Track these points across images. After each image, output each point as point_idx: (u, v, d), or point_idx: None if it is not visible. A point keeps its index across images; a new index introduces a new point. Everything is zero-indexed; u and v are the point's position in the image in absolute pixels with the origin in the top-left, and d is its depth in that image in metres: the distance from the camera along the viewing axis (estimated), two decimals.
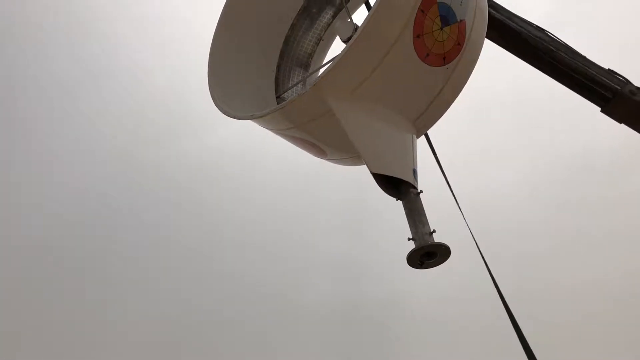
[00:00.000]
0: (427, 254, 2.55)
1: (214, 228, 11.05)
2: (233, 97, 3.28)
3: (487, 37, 3.63)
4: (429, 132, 3.33)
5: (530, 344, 2.80)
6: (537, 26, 3.64)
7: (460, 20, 2.80)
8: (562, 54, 3.56)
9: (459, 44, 2.81)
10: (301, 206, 11.19)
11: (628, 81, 3.58)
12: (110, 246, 10.54)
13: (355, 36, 2.57)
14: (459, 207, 3.06)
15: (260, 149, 10.75)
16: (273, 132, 3.23)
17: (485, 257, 2.96)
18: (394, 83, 2.82)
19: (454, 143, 10.00)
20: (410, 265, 2.59)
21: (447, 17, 2.75)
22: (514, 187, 10.90)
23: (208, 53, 3.50)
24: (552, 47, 3.57)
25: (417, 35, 2.67)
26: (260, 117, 2.93)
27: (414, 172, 2.79)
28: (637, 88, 3.56)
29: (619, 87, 3.52)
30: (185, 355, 9.83)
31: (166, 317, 10.05)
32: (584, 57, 3.60)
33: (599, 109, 3.64)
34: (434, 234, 2.57)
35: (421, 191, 2.73)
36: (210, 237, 10.96)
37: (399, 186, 2.73)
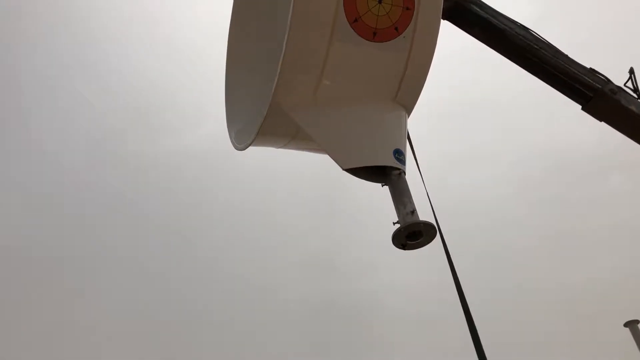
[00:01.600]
0: (414, 233, 2.50)
1: (189, 224, 11.02)
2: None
3: (471, 34, 3.67)
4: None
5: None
6: (521, 24, 3.66)
7: None
8: (545, 52, 3.59)
9: (408, 9, 2.74)
10: (277, 203, 11.17)
11: (609, 80, 3.62)
12: (96, 236, 10.49)
13: (283, 47, 2.52)
14: (429, 199, 3.03)
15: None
16: (287, 149, 3.23)
17: (451, 249, 2.94)
18: (353, 72, 2.78)
19: (438, 143, 10.06)
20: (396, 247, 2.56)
21: None
22: (497, 185, 11.00)
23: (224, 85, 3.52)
24: (535, 46, 3.59)
25: (354, 20, 2.62)
26: (250, 143, 2.93)
27: (398, 152, 2.74)
28: (618, 87, 3.61)
29: (599, 86, 3.57)
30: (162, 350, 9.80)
31: (146, 309, 10.03)
32: (566, 56, 3.64)
33: (580, 107, 3.69)
34: (417, 213, 2.51)
35: (403, 172, 2.68)
36: (185, 234, 10.93)
37: (383, 171, 2.70)
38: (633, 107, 3.54)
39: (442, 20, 3.55)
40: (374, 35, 2.70)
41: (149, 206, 11.03)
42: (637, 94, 3.62)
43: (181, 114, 11.12)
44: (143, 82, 11.26)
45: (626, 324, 5.50)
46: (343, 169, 2.69)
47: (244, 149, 3.06)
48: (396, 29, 2.73)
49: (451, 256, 2.89)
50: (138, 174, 11.11)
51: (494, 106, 10.96)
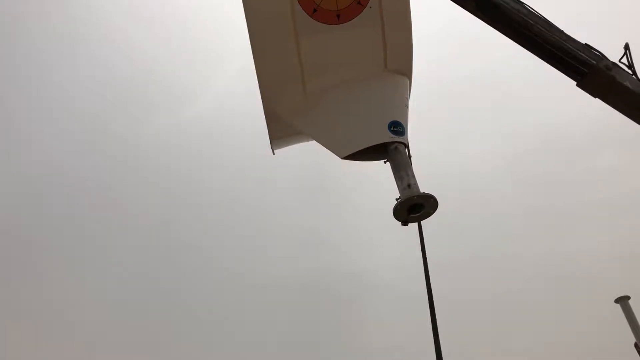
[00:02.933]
0: (415, 206, 2.52)
1: (174, 199, 10.99)
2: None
3: (464, 8, 3.60)
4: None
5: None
6: None
7: None
8: (540, 27, 3.54)
9: None
10: (260, 174, 11.12)
11: (604, 56, 3.58)
12: (77, 220, 10.44)
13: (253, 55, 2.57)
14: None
15: (227, 121, 10.66)
16: None
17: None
18: (333, 59, 2.80)
19: (434, 120, 10.03)
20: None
21: None
22: (489, 161, 11.03)
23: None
24: (530, 20, 3.54)
25: (314, 10, 2.61)
26: (273, 149, 3.04)
27: (394, 124, 2.70)
28: (613, 63, 3.57)
29: (594, 62, 3.53)
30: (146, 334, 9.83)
31: (125, 290, 10.04)
32: (562, 31, 3.59)
33: (575, 83, 3.65)
34: (416, 185, 2.54)
35: (399, 143, 2.67)
36: (169, 209, 10.90)
37: (382, 146, 2.69)
38: (628, 83, 3.51)
39: None
40: (339, 17, 2.68)
41: (141, 193, 11.00)
42: (632, 70, 3.58)
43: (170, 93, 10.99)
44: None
45: (617, 300, 5.54)
46: (341, 158, 2.71)
47: (273, 154, 3.15)
48: (359, 2, 2.70)
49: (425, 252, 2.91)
50: (126, 153, 11.04)
51: (490, 82, 10.92)
